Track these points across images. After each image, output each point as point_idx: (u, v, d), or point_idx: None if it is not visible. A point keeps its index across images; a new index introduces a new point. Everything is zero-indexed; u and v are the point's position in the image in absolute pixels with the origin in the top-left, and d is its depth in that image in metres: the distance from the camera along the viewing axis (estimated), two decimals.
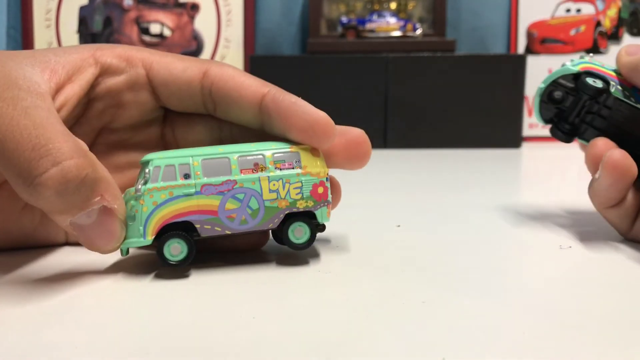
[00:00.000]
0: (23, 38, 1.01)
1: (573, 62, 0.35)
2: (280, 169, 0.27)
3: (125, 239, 0.26)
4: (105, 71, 0.29)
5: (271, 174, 0.27)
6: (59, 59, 0.28)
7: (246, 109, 0.29)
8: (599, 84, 0.33)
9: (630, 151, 0.32)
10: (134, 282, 0.26)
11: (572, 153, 0.36)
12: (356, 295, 0.25)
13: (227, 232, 0.27)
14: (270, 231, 0.31)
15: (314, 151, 0.28)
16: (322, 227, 0.29)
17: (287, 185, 0.27)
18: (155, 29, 0.99)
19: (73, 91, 0.28)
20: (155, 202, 0.26)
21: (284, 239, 0.28)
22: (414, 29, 0.97)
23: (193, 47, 0.99)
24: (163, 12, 0.99)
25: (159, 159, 0.26)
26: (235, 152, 0.27)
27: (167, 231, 0.26)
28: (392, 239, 0.34)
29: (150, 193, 0.26)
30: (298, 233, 0.28)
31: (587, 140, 0.35)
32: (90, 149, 0.28)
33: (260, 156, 0.27)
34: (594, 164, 0.33)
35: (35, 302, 0.24)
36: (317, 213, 0.28)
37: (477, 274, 0.28)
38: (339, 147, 0.29)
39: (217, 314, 0.23)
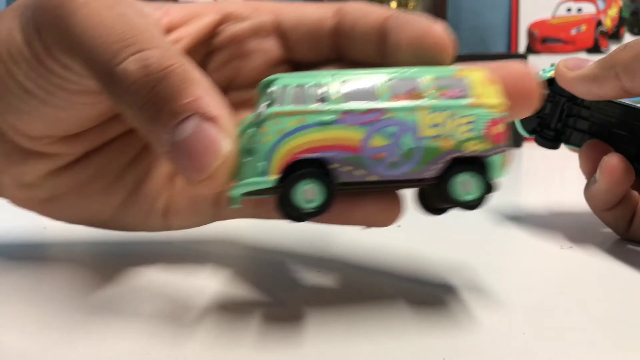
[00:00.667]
0: None
1: (545, 70, 0.35)
2: (446, 97, 0.21)
3: (238, 178, 0.20)
4: (227, 17, 0.27)
5: (432, 102, 0.20)
6: (175, 5, 0.26)
7: (369, 35, 0.24)
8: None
9: (621, 148, 0.32)
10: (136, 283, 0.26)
11: (573, 153, 0.36)
12: (354, 296, 0.25)
13: (371, 177, 0.20)
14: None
15: (489, 78, 0.21)
16: (494, 186, 0.21)
17: (453, 118, 0.20)
18: None
19: (187, 31, 0.25)
20: (282, 130, 0.20)
21: (445, 193, 0.21)
22: None
23: None
24: None
25: (287, 78, 0.21)
26: (385, 71, 0.21)
27: (295, 171, 0.20)
28: (392, 239, 0.34)
29: (277, 118, 0.20)
30: (467, 186, 0.21)
31: (575, 145, 0.35)
32: None
33: (419, 80, 0.21)
34: (588, 169, 0.33)
35: (37, 301, 0.24)
36: (491, 161, 0.21)
37: (477, 274, 0.28)
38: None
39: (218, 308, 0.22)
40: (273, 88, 0.20)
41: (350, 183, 0.20)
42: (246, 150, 0.20)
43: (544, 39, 1.04)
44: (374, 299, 0.24)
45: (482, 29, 1.08)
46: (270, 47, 0.27)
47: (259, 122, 0.20)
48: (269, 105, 0.20)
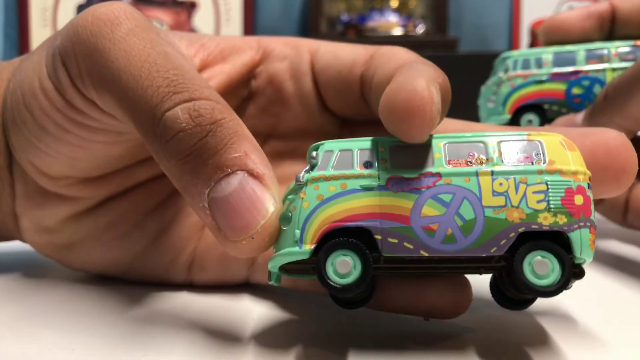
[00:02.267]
0: (20, 37, 1.00)
1: (500, 99, 0.32)
2: (512, 163, 0.17)
3: (276, 248, 0.18)
4: (267, 56, 0.25)
5: (497, 167, 0.17)
6: (214, 38, 0.24)
7: (380, 90, 0.21)
8: (535, 124, 0.32)
9: None
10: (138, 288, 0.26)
11: None
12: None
13: (423, 252, 0.17)
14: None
15: (566, 142, 0.18)
16: (580, 270, 0.17)
17: (522, 186, 0.17)
18: None
19: (222, 69, 0.24)
20: (321, 195, 0.18)
21: (513, 277, 0.17)
22: (416, 27, 0.96)
23: None
24: (161, 10, 0.99)
25: (332, 143, 0.19)
26: (440, 137, 0.18)
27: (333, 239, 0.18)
28: None
29: (316, 183, 0.18)
30: (540, 268, 0.17)
31: None
32: None
33: (480, 144, 0.18)
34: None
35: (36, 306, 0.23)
36: (573, 237, 0.17)
37: (476, 274, 0.27)
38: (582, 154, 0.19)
39: (215, 320, 0.22)
40: (314, 152, 0.19)
41: (397, 259, 0.17)
42: (285, 219, 0.18)
43: None
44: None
45: (484, 28, 1.07)
46: (307, 91, 0.25)
47: (297, 188, 0.18)
48: (309, 170, 0.18)
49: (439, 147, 0.18)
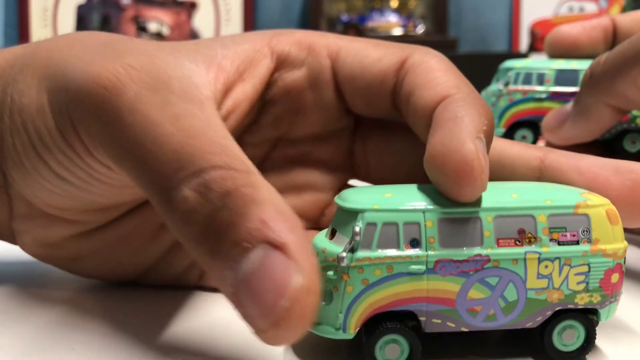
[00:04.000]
0: (20, 37, 1.00)
1: (494, 112, 0.32)
2: (559, 242, 0.17)
3: (315, 323, 0.17)
4: (282, 63, 0.23)
5: (544, 249, 0.17)
6: (226, 52, 0.22)
7: (420, 118, 0.21)
8: (528, 141, 0.32)
9: None
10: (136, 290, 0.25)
11: None
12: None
13: (464, 329, 0.17)
14: None
15: (611, 215, 0.18)
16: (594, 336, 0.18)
17: (565, 268, 0.17)
18: (153, 27, 0.99)
19: (245, 94, 0.22)
20: (367, 280, 0.17)
21: (541, 342, 0.18)
22: (416, 27, 0.96)
23: None
24: (161, 10, 0.98)
25: (373, 211, 0.17)
26: (489, 209, 0.17)
27: (376, 320, 0.17)
28: None
29: (361, 266, 0.17)
30: (568, 337, 0.18)
31: None
32: (262, 164, 0.24)
33: (530, 218, 0.18)
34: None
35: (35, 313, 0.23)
36: (603, 312, 0.18)
37: None
38: (619, 191, 0.19)
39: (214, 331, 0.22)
40: (358, 226, 0.17)
41: (440, 332, 0.17)
42: (325, 293, 0.17)
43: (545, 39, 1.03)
44: None
45: (484, 28, 1.07)
46: (328, 100, 0.23)
47: (340, 269, 0.17)
48: (352, 249, 0.17)
49: (489, 222, 0.17)
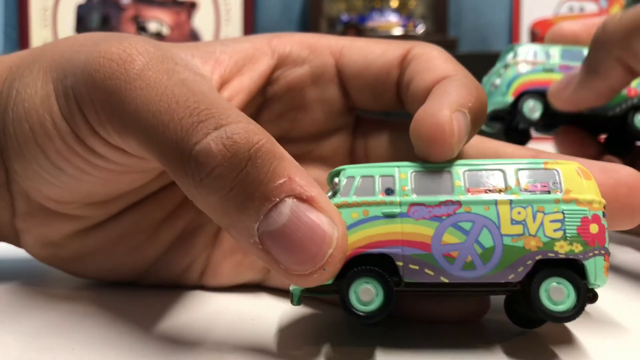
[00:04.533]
0: (20, 37, 1.00)
1: (502, 85, 0.31)
2: (530, 192, 0.18)
3: None
4: (283, 61, 0.23)
5: (515, 196, 0.18)
6: (225, 49, 0.22)
7: (420, 86, 0.21)
8: (537, 110, 0.31)
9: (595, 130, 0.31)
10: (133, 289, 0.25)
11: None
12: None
13: (443, 278, 0.17)
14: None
15: (582, 171, 0.18)
16: (594, 295, 0.18)
17: (539, 215, 0.18)
18: (153, 27, 0.99)
19: (241, 86, 0.22)
20: (344, 223, 0.18)
21: (530, 302, 0.17)
22: (416, 27, 0.96)
23: None
24: (161, 10, 0.98)
25: (353, 168, 0.19)
26: (460, 164, 0.19)
27: (355, 266, 0.18)
28: None
29: (339, 210, 0.18)
30: (556, 294, 0.17)
31: (540, 132, 0.33)
32: None
33: (499, 172, 0.18)
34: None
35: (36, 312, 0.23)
36: (588, 265, 0.17)
37: None
38: (602, 188, 0.19)
39: (216, 324, 0.22)
40: (337, 179, 0.19)
41: (418, 284, 0.17)
42: None
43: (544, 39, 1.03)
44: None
45: (484, 28, 1.07)
46: (332, 97, 0.24)
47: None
48: (332, 197, 0.18)
49: (459, 174, 0.18)
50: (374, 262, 0.18)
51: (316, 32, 1.00)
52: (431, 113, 0.18)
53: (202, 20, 1.00)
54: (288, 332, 0.21)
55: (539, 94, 0.30)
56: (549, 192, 0.18)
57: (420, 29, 0.96)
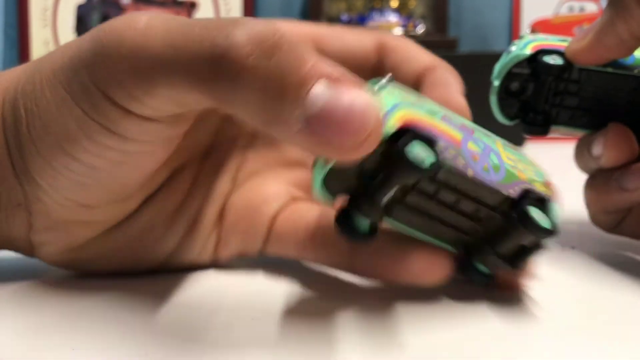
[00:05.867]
0: (20, 37, 1.00)
1: (519, 45, 0.30)
2: (514, 149, 0.24)
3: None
4: None
5: (507, 147, 0.24)
6: None
7: (407, 73, 0.26)
8: (558, 60, 0.29)
9: (617, 120, 0.30)
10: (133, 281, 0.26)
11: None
12: (358, 295, 0.24)
13: (470, 173, 0.21)
14: None
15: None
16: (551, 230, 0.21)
17: (522, 164, 0.23)
18: None
19: None
20: (400, 99, 0.21)
21: (523, 218, 0.21)
22: (416, 27, 0.96)
23: None
24: (161, 10, 0.98)
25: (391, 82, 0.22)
26: (467, 119, 0.24)
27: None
28: None
29: (395, 89, 0.22)
30: (538, 215, 0.21)
31: (564, 124, 0.31)
32: (253, 140, 0.27)
33: (490, 133, 0.24)
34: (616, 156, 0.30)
35: (35, 307, 0.23)
36: (552, 207, 0.22)
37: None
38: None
39: (217, 315, 0.22)
40: (381, 81, 0.22)
41: (454, 170, 0.20)
42: None
43: None
44: (374, 298, 0.24)
45: (484, 28, 1.07)
46: None
47: (375, 90, 0.21)
48: (379, 88, 0.21)
49: (469, 121, 0.24)
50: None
51: None
52: (455, 100, 0.25)
53: None
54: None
55: (558, 53, 0.29)
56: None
57: (420, 29, 0.96)
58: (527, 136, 0.33)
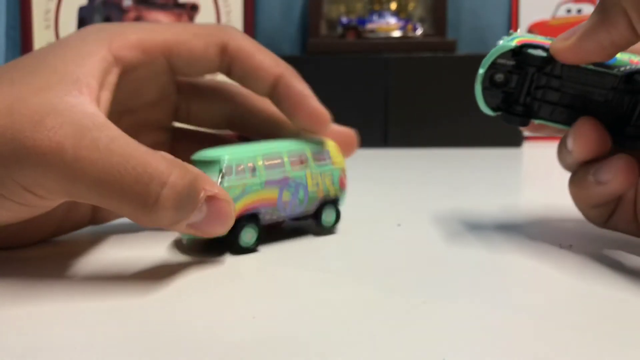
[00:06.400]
0: (22, 39, 1.01)
1: (507, 39, 0.31)
2: (318, 163, 0.33)
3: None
4: (125, 68, 0.30)
5: (312, 168, 0.32)
6: (83, 70, 0.27)
7: (260, 86, 0.32)
8: (542, 53, 0.30)
9: (597, 117, 0.31)
10: (132, 281, 0.26)
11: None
12: (356, 295, 0.25)
13: (281, 217, 0.32)
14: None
15: (335, 145, 0.34)
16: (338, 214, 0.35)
17: (323, 176, 0.33)
18: None
19: (106, 98, 0.28)
20: (234, 195, 0.29)
21: (317, 220, 0.34)
22: (414, 29, 0.97)
23: None
24: (162, 13, 0.99)
25: (229, 157, 0.29)
26: (286, 150, 0.32)
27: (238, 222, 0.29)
28: (392, 238, 0.34)
29: (231, 190, 0.29)
30: (328, 215, 0.34)
31: (544, 119, 0.32)
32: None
33: (305, 152, 0.32)
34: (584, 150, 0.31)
35: (35, 302, 0.24)
36: (341, 199, 0.34)
37: (477, 273, 0.28)
38: (331, 136, 0.34)
39: (216, 314, 0.22)
40: (223, 165, 0.29)
41: (269, 225, 0.32)
42: None
43: None
44: (374, 298, 0.24)
45: (482, 30, 1.08)
46: (163, 82, 0.33)
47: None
48: (222, 178, 0.29)
49: (287, 156, 0.32)
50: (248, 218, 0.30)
51: (316, 34, 1.00)
52: (321, 110, 0.33)
53: (203, 22, 1.01)
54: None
55: (543, 48, 0.30)
56: (327, 162, 0.33)
57: (419, 31, 0.97)
58: (510, 126, 0.33)
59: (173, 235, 0.33)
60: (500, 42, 0.31)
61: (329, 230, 0.34)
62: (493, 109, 0.32)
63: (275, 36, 1.05)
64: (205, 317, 0.22)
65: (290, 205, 0.31)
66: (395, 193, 0.52)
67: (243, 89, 0.34)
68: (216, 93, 0.35)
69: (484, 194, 0.51)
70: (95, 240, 0.32)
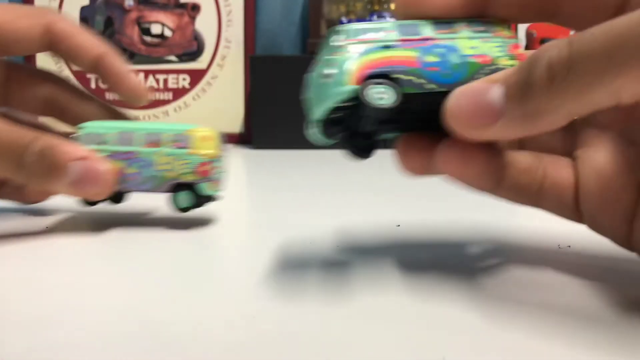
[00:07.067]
0: None
1: (340, 69, 0.24)
2: (174, 147, 0.35)
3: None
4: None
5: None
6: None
7: (83, 63, 0.36)
8: (388, 98, 0.23)
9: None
10: (122, 278, 0.26)
11: None
12: (356, 294, 0.25)
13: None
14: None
15: (207, 137, 0.36)
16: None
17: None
18: (156, 29, 0.99)
19: None
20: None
21: (174, 202, 0.36)
22: None
23: (194, 47, 0.99)
24: (164, 13, 0.99)
25: (87, 130, 0.35)
26: (142, 130, 0.35)
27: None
28: (392, 238, 0.34)
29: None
30: (183, 201, 0.36)
31: (385, 137, 0.27)
32: None
33: (159, 136, 0.35)
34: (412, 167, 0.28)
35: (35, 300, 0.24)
36: (201, 186, 0.36)
37: (476, 273, 0.28)
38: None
39: (216, 313, 0.23)
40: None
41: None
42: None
43: (542, 40, 1.03)
44: (373, 299, 0.24)
45: None
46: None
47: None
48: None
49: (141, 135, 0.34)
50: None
51: (316, 34, 1.00)
52: (131, 82, 0.37)
53: (204, 23, 1.01)
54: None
55: (388, 77, 0.24)
56: (185, 148, 0.36)
57: None
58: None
59: (173, 235, 0.33)
60: (333, 69, 0.24)
61: (183, 210, 0.36)
62: (329, 137, 0.27)
63: (276, 36, 1.05)
64: (205, 317, 0.22)
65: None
66: (395, 193, 0.52)
67: (62, 76, 0.38)
68: (34, 76, 0.38)
69: (483, 193, 0.51)
70: (95, 240, 0.33)
